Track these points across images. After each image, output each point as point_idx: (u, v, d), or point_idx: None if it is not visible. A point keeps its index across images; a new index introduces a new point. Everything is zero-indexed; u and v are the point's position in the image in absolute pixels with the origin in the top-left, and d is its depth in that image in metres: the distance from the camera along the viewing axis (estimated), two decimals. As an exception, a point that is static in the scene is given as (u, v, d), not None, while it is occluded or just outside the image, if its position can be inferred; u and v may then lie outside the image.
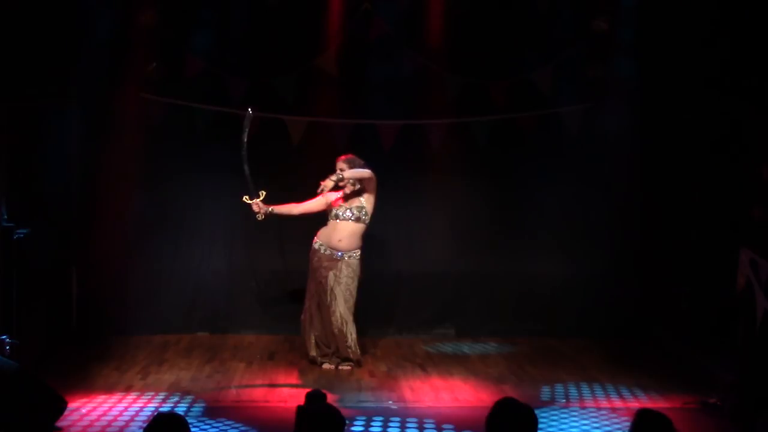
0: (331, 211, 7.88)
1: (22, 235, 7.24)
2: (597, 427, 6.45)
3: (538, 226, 9.27)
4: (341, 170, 7.80)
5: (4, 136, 7.32)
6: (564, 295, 9.28)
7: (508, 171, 9.34)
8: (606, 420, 6.60)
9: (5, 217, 7.16)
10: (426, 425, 6.43)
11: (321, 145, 8.42)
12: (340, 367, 7.91)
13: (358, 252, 7.91)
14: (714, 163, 8.57)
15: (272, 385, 7.46)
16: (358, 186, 7.86)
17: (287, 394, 7.15)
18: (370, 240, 8.95)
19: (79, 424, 6.26)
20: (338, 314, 7.83)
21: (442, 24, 8.93)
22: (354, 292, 7.90)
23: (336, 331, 7.86)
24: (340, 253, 7.84)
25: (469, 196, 9.33)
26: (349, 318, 7.88)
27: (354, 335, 7.92)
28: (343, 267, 7.84)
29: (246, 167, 7.69)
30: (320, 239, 7.90)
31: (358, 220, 7.85)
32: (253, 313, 9.27)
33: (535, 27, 9.02)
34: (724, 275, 7.86)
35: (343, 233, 7.83)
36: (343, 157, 7.89)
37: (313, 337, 7.99)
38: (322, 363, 7.94)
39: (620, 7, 8.94)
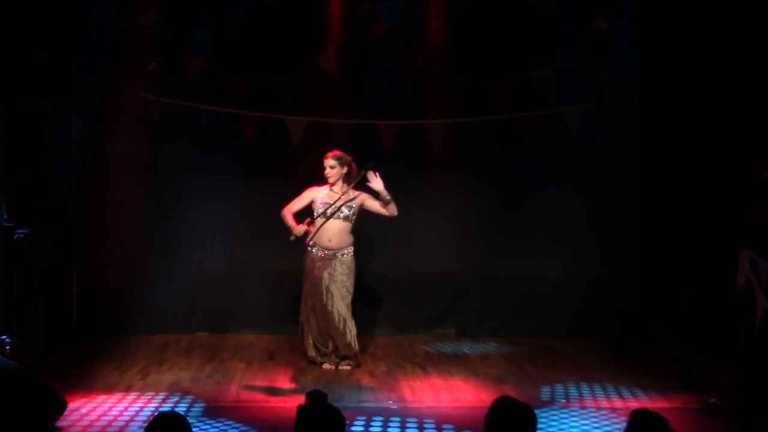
0: (318, 210, 7.85)
1: (22, 235, 7.24)
2: (597, 427, 6.45)
3: (538, 226, 9.27)
4: (331, 167, 7.81)
5: (4, 136, 7.31)
6: (564, 295, 9.28)
7: (508, 171, 9.34)
8: (606, 420, 6.60)
9: (5, 217, 7.16)
10: (426, 425, 6.44)
11: (321, 145, 8.40)
12: (340, 367, 7.91)
13: (351, 249, 7.91)
14: (714, 163, 8.57)
15: (272, 388, 7.48)
16: (345, 187, 7.86)
17: (287, 394, 7.16)
18: (370, 240, 8.98)
19: (79, 424, 6.26)
20: (336, 312, 7.82)
21: (442, 24, 8.93)
22: (351, 289, 7.89)
23: (334, 328, 7.85)
24: (332, 253, 7.83)
25: (469, 196, 9.34)
26: (348, 315, 7.87)
27: (353, 332, 7.91)
28: (337, 265, 7.84)
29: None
30: (311, 240, 7.88)
31: (346, 218, 7.84)
32: (253, 313, 9.27)
33: (535, 27, 9.02)
34: (724, 275, 7.86)
35: (331, 232, 7.81)
36: (330, 154, 7.87)
37: (311, 339, 7.99)
38: (322, 363, 7.94)
39: (620, 6, 8.94)
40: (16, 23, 7.41)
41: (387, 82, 8.98)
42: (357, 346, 7.99)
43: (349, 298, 7.88)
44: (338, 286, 7.82)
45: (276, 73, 8.80)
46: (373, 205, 7.94)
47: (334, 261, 7.83)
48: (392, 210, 7.93)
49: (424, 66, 8.93)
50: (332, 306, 7.82)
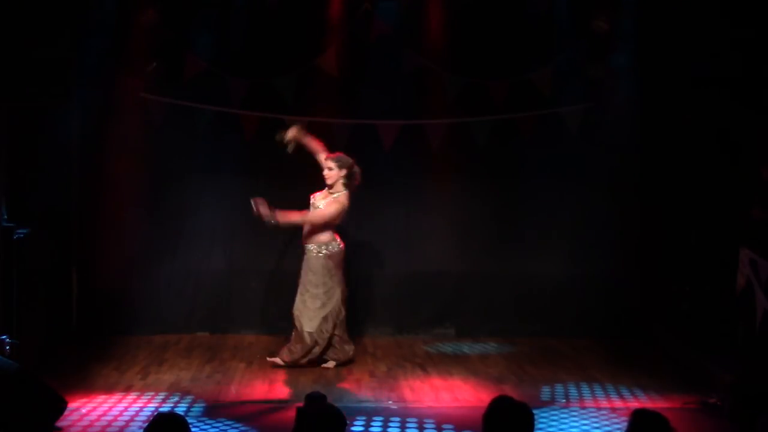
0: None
1: (22, 235, 7.24)
2: (597, 427, 6.45)
3: (538, 226, 9.27)
4: (330, 169, 7.80)
5: (4, 136, 7.32)
6: (564, 295, 9.28)
7: (508, 171, 9.34)
8: (606, 420, 6.60)
9: (5, 217, 7.17)
10: (426, 425, 6.43)
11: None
12: (324, 366, 7.93)
13: (319, 246, 7.95)
14: (714, 162, 8.57)
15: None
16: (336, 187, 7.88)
17: (287, 394, 7.16)
18: (370, 240, 8.99)
19: (79, 424, 6.26)
20: (296, 304, 7.97)
21: (442, 24, 8.93)
22: (319, 285, 8.01)
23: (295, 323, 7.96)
24: (305, 248, 7.95)
25: (469, 196, 9.33)
26: (306, 312, 7.99)
27: (310, 329, 8.00)
28: (311, 263, 7.95)
29: None
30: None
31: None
32: (253, 313, 9.27)
33: (535, 27, 9.02)
34: (724, 275, 7.86)
35: (306, 229, 7.89)
36: (330, 156, 7.86)
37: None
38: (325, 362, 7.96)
39: (620, 6, 8.94)
40: (16, 22, 7.41)
41: (387, 82, 8.99)
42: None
43: (314, 294, 7.98)
44: (304, 283, 7.95)
45: (276, 73, 8.79)
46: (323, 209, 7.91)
47: (305, 258, 7.95)
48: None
49: (424, 66, 8.92)
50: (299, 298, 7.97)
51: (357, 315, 9.06)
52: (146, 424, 3.93)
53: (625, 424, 4.11)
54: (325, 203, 7.83)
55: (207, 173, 9.07)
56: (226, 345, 8.76)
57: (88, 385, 7.20)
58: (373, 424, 6.41)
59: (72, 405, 6.43)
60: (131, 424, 6.31)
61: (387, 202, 9.07)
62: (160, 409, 6.62)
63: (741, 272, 7.50)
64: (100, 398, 6.86)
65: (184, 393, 7.11)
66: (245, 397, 7.14)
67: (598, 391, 7.40)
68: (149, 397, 6.98)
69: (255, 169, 9.07)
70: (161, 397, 7.00)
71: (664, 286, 9.13)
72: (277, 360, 7.95)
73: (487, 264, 9.37)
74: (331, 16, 8.81)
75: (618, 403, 7.05)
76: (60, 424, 6.13)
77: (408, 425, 6.42)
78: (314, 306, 7.88)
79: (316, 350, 7.91)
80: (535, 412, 3.90)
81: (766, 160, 7.62)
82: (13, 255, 7.08)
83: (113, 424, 6.31)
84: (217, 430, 6.25)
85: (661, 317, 9.16)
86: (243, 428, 6.31)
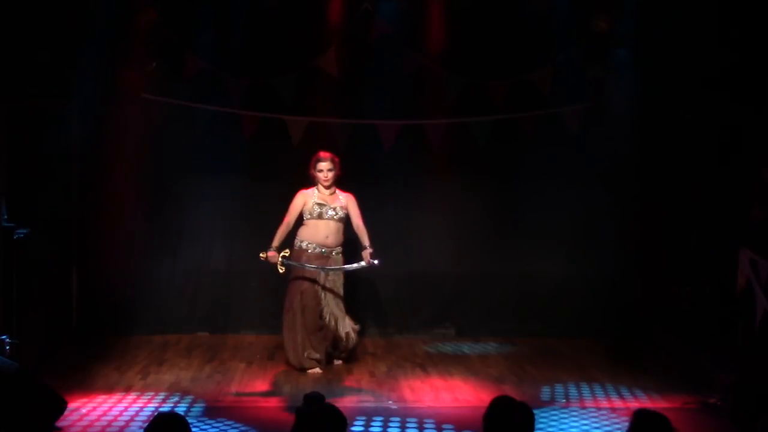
0: (312, 210, 7.81)
1: (22, 235, 7.24)
2: (597, 427, 6.45)
3: (538, 226, 9.26)
4: (329, 170, 7.79)
5: (4, 136, 7.31)
6: (564, 295, 9.28)
7: (508, 171, 9.34)
8: (606, 420, 6.61)
9: (5, 217, 7.16)
10: (426, 425, 6.43)
11: (321, 145, 8.40)
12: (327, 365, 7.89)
13: (341, 248, 7.93)
14: (714, 163, 8.57)
15: (271, 389, 7.47)
16: (334, 189, 7.87)
17: (287, 394, 7.16)
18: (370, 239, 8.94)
19: (79, 424, 6.26)
20: (328, 310, 7.85)
21: (442, 24, 8.93)
22: (342, 288, 7.94)
23: (326, 326, 7.85)
24: (328, 251, 7.84)
25: (469, 196, 9.34)
26: (341, 314, 7.90)
27: (348, 329, 7.91)
28: (331, 264, 7.87)
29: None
30: (305, 238, 7.83)
31: (340, 220, 7.84)
32: (253, 313, 9.27)
33: (535, 27, 9.02)
34: (724, 275, 7.86)
35: (329, 230, 7.82)
36: (327, 155, 7.85)
37: (299, 340, 7.83)
38: (310, 368, 7.82)
39: (620, 6, 8.95)
40: (16, 23, 7.41)
41: (387, 82, 8.98)
42: (354, 342, 8.01)
43: (342, 296, 7.91)
44: (331, 285, 7.85)
45: (276, 73, 8.79)
46: (354, 212, 7.92)
47: (329, 260, 7.84)
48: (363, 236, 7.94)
49: (424, 66, 8.93)
50: (326, 303, 7.83)
51: (357, 315, 9.06)
52: (146, 424, 3.93)
53: (626, 424, 4.11)
54: (353, 205, 7.90)
55: (207, 173, 9.07)
56: (226, 345, 8.76)
57: (88, 385, 7.20)
58: (373, 424, 6.41)
59: (72, 405, 6.43)
60: (131, 424, 6.31)
61: (387, 202, 9.06)
62: (160, 409, 6.62)
63: (741, 272, 7.49)
64: (100, 398, 6.86)
65: (184, 393, 7.10)
66: (245, 397, 7.14)
67: (598, 391, 7.40)
68: (149, 397, 6.98)
69: (255, 169, 9.08)
70: (161, 397, 7.00)
71: (664, 286, 9.13)
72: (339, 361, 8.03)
73: (487, 264, 9.37)
74: (331, 16, 8.81)
75: (618, 403, 7.05)
76: (60, 424, 6.13)
77: (408, 425, 6.42)
78: (342, 307, 7.96)
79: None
80: (535, 412, 3.90)
81: (766, 160, 7.62)
82: (13, 255, 7.08)
83: (113, 424, 6.31)
84: (217, 430, 6.25)
85: (661, 317, 9.16)
86: (243, 428, 6.31)
